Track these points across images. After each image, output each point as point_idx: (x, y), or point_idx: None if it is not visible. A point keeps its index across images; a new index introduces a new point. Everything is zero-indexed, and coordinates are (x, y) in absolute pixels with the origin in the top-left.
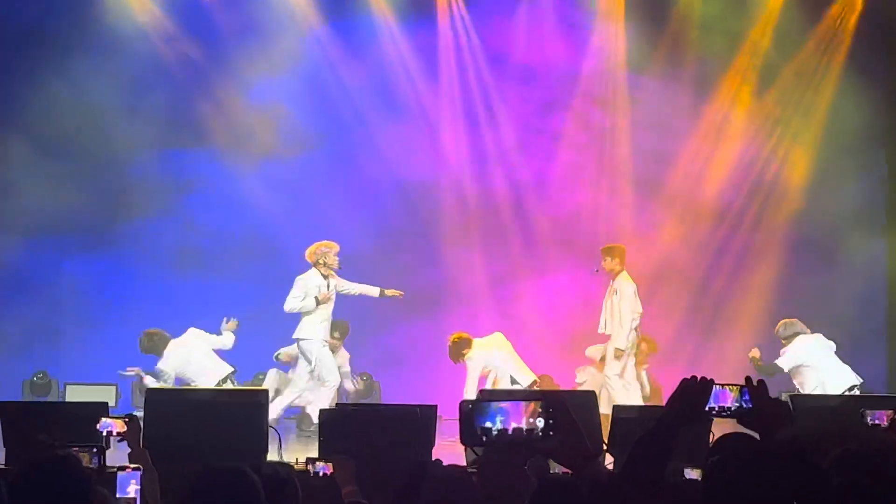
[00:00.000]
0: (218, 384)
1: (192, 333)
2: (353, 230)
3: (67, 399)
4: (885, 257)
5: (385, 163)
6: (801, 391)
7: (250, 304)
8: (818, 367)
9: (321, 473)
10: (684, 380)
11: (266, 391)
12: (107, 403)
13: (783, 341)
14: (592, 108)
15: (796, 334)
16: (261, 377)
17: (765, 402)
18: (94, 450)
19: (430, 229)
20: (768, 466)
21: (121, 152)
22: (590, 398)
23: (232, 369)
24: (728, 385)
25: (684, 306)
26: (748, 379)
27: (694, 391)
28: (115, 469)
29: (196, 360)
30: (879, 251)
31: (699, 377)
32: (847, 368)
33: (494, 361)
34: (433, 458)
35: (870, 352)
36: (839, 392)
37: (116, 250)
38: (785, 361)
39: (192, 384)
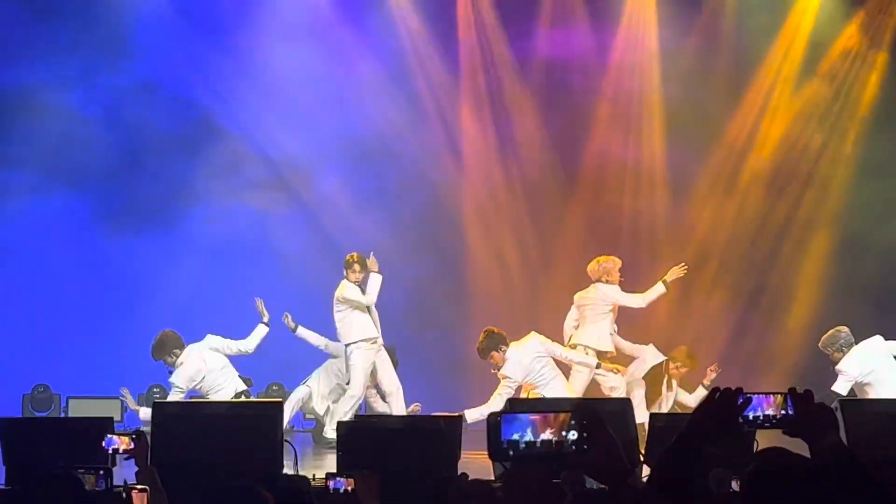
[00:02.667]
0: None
1: (211, 341)
2: (373, 228)
3: (70, 414)
4: None
5: (404, 152)
6: None
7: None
8: (882, 382)
9: (341, 490)
10: (714, 389)
11: (280, 402)
12: (112, 418)
13: (835, 355)
14: (623, 93)
15: (848, 345)
16: (275, 388)
17: (809, 409)
18: (101, 472)
19: (454, 225)
20: (809, 475)
21: (127, 162)
22: (625, 406)
23: (246, 387)
24: (772, 393)
25: (726, 303)
26: (792, 389)
27: (722, 403)
28: (121, 488)
29: (211, 375)
30: None
31: (733, 388)
32: None
33: (535, 367)
34: (458, 472)
35: None
36: None
37: (120, 258)
38: (841, 387)
39: (205, 395)
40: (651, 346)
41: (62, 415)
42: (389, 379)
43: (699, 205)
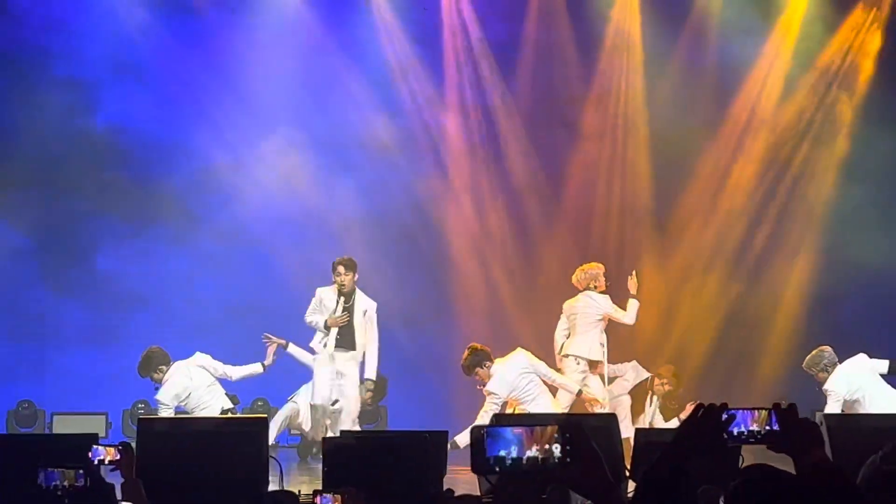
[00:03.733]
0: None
1: (198, 359)
2: (358, 241)
3: (55, 430)
4: None
5: (391, 169)
6: None
7: (249, 328)
8: (871, 398)
9: None
10: (699, 405)
11: (265, 418)
12: (97, 434)
13: (819, 375)
14: (607, 109)
15: (833, 365)
16: (260, 404)
17: (793, 424)
18: (80, 470)
19: (440, 237)
20: (794, 491)
21: (103, 178)
22: (611, 421)
23: (232, 405)
24: (757, 409)
25: (710, 326)
26: (777, 404)
27: (707, 419)
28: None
29: (197, 392)
30: None
31: (717, 404)
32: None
33: (520, 384)
34: (444, 488)
35: None
36: None
37: (103, 274)
38: (832, 407)
39: (190, 413)
40: (634, 362)
41: (47, 431)
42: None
43: (684, 219)
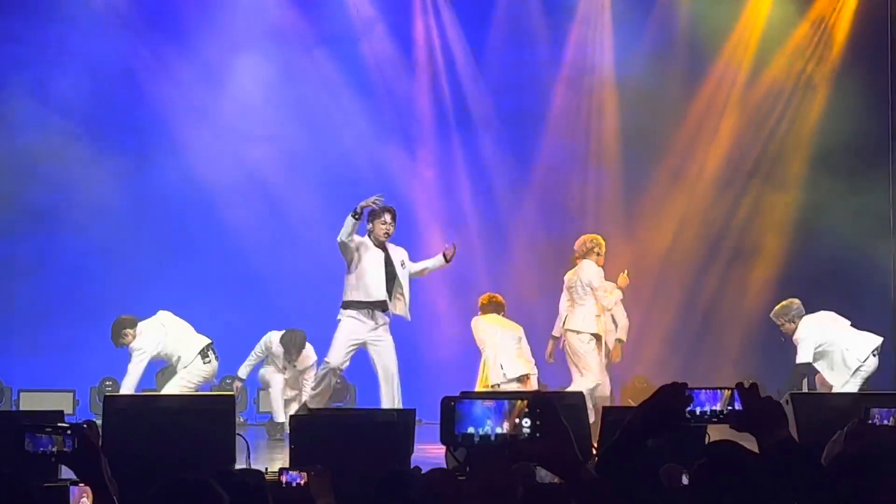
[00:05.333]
0: (200, 354)
1: (162, 314)
2: (329, 222)
3: (21, 407)
4: (892, 264)
5: (362, 156)
6: (830, 373)
7: (218, 307)
8: (839, 342)
9: (294, 484)
10: (662, 387)
11: (232, 397)
12: (62, 412)
13: (786, 325)
14: (578, 98)
15: (800, 317)
16: (228, 381)
17: (756, 403)
18: (69, 432)
19: (408, 212)
20: (759, 470)
21: (70, 147)
22: (579, 399)
23: (209, 340)
24: (719, 388)
25: (675, 305)
26: (740, 383)
27: (667, 399)
28: (67, 482)
29: (172, 335)
30: (887, 257)
31: (677, 383)
32: (865, 333)
33: (489, 337)
34: (412, 466)
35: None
36: (866, 357)
37: (70, 248)
38: (805, 354)
39: (172, 360)
40: None
41: (13, 408)
42: (383, 366)
43: (655, 194)
